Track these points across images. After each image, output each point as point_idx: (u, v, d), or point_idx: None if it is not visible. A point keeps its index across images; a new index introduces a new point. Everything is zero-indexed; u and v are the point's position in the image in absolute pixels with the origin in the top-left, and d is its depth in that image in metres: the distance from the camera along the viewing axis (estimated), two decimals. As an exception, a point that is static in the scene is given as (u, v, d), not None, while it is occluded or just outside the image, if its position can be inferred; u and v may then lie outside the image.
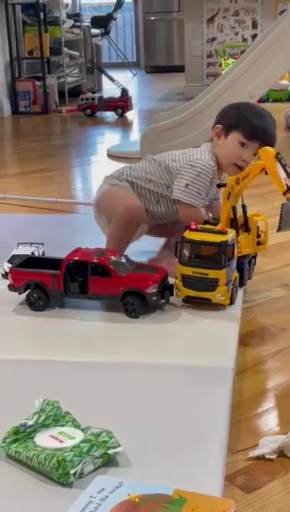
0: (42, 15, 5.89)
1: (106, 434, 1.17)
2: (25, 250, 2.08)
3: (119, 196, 2.03)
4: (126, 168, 2.09)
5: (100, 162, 4.01)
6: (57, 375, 1.49)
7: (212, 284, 1.77)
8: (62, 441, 1.18)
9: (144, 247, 2.16)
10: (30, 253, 2.04)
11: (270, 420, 1.41)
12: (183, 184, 1.97)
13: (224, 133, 1.99)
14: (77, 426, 1.24)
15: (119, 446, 1.16)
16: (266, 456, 1.25)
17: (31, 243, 2.14)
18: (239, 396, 1.47)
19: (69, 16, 6.94)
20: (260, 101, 5.11)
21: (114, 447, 1.16)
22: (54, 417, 1.25)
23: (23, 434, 1.21)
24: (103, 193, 2.07)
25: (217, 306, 1.78)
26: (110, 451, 1.16)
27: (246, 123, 1.96)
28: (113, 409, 1.34)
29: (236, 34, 6.36)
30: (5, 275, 1.96)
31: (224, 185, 1.94)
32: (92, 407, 1.35)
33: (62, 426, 1.24)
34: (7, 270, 1.92)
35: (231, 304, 1.80)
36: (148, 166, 2.06)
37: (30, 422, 1.22)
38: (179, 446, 1.22)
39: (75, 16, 7.00)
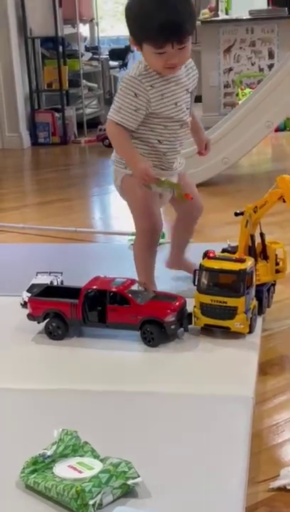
0: (61, 48, 5.99)
1: (126, 465, 1.16)
2: (44, 279, 2.09)
3: (136, 203, 2.00)
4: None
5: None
6: (76, 405, 1.49)
7: (230, 313, 1.76)
8: (81, 472, 1.17)
9: (163, 275, 2.16)
10: (49, 282, 2.05)
11: (291, 450, 1.39)
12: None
13: (137, 45, 1.85)
14: (96, 456, 1.23)
15: (139, 476, 1.16)
16: (288, 487, 1.23)
17: (50, 272, 2.15)
18: (259, 425, 1.45)
19: (87, 49, 7.05)
20: (277, 130, 5.15)
21: (133, 478, 1.15)
22: (73, 447, 1.24)
23: (41, 464, 1.21)
24: (121, 183, 2.05)
25: (236, 335, 1.77)
26: (129, 482, 1.15)
27: (146, 30, 1.78)
28: (132, 439, 1.34)
29: (252, 64, 6.42)
30: (24, 304, 1.97)
31: (242, 213, 1.94)
32: (111, 437, 1.34)
33: (81, 456, 1.23)
34: (26, 299, 1.93)
35: (250, 332, 1.79)
36: None
37: (48, 452, 1.22)
38: (199, 477, 1.21)
39: (94, 49, 7.11)
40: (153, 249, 2.07)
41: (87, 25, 7.24)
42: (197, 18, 6.59)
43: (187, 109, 1.96)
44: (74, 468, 1.19)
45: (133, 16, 1.83)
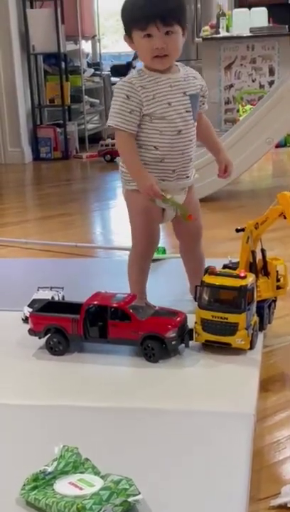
0: (63, 64, 6.03)
1: (126, 482, 1.16)
2: (46, 294, 2.09)
3: (135, 216, 2.01)
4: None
5: (119, 206, 4.04)
6: (77, 421, 1.49)
7: (231, 329, 1.76)
8: (81, 489, 1.17)
9: (163, 291, 2.17)
10: (50, 297, 2.05)
11: (292, 468, 1.38)
12: None
13: (129, 38, 1.91)
14: (97, 473, 1.22)
15: (139, 493, 1.15)
16: (289, 505, 1.23)
17: (51, 287, 2.15)
18: (260, 443, 1.45)
19: (89, 65, 7.10)
20: (278, 146, 5.17)
21: (134, 495, 1.15)
22: (73, 463, 1.24)
23: (42, 481, 1.20)
24: (125, 192, 2.05)
25: (237, 351, 1.77)
26: (130, 499, 1.14)
27: (131, 16, 1.86)
28: (133, 456, 1.33)
29: (253, 81, 6.46)
30: (25, 319, 1.97)
31: (243, 229, 1.95)
32: (112, 454, 1.34)
33: (81, 473, 1.23)
34: (27, 314, 1.93)
35: (251, 348, 1.79)
36: None
37: (49, 469, 1.22)
38: (200, 494, 1.20)
39: (96, 65, 7.16)
40: (147, 263, 2.09)
41: (89, 42, 7.30)
42: (199, 34, 6.65)
43: (186, 112, 1.94)
44: (75, 485, 1.18)
45: (123, 9, 1.90)
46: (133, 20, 1.85)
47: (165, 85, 1.92)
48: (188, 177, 2.01)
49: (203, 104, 2.05)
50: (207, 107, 2.08)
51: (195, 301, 1.83)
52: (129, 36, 1.91)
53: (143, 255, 2.07)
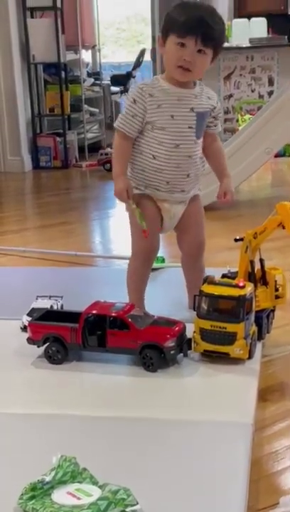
0: (63, 74, 6.06)
1: (124, 492, 1.16)
2: (45, 303, 2.09)
3: (134, 224, 2.02)
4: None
5: (119, 215, 4.05)
6: (75, 430, 1.48)
7: (230, 338, 1.76)
8: (79, 498, 1.17)
9: (162, 300, 2.17)
10: (49, 306, 2.05)
11: (291, 478, 1.38)
12: None
13: (163, 41, 1.92)
14: (95, 483, 1.22)
15: (137, 503, 1.15)
16: (287, 516, 1.22)
17: (50, 296, 2.15)
18: (258, 453, 1.44)
19: (89, 75, 7.13)
20: (277, 155, 5.19)
21: (132, 505, 1.15)
22: (71, 473, 1.23)
23: (40, 490, 1.20)
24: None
25: (236, 361, 1.77)
26: (128, 509, 1.14)
27: (175, 21, 1.88)
28: (131, 466, 1.33)
29: (252, 91, 6.49)
30: (24, 328, 1.97)
31: (241, 239, 1.95)
32: (110, 463, 1.33)
33: (79, 482, 1.23)
34: (26, 323, 1.93)
35: (249, 358, 1.79)
36: None
37: (47, 479, 1.21)
38: (198, 504, 1.20)
39: (95, 75, 7.19)
40: (145, 272, 2.10)
41: (89, 52, 7.33)
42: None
43: (189, 128, 1.95)
44: (73, 495, 1.18)
45: (168, 15, 1.92)
46: (177, 25, 1.86)
47: (173, 97, 1.93)
48: (183, 191, 2.01)
49: (215, 126, 2.05)
50: (220, 129, 2.09)
51: (194, 310, 1.83)
52: (164, 37, 1.91)
53: (142, 264, 2.08)
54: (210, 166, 2.12)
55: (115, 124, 1.98)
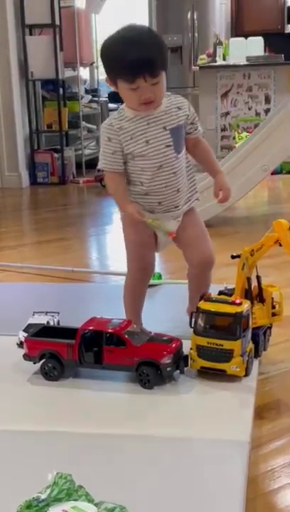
0: (61, 90, 6.10)
1: (120, 510, 1.15)
2: (41, 319, 2.09)
3: (129, 243, 2.04)
4: None
5: (116, 231, 4.06)
6: (71, 447, 1.48)
7: (227, 355, 1.76)
8: (75, 516, 1.16)
9: (159, 316, 2.17)
10: (45, 322, 2.05)
11: (288, 496, 1.37)
12: None
13: (113, 83, 1.89)
14: (91, 500, 1.21)
15: (133, 522, 1.14)
16: (284, 535, 1.22)
17: (47, 312, 2.15)
18: (255, 471, 1.44)
19: (87, 92, 7.17)
20: (274, 173, 5.21)
21: (128, 523, 1.14)
22: (67, 490, 1.23)
23: (35, 508, 1.19)
24: (121, 219, 2.08)
25: (232, 378, 1.77)
26: (124, 528, 1.13)
27: (117, 68, 1.83)
28: (127, 483, 1.32)
29: (249, 109, 6.53)
30: (20, 344, 1.97)
31: (238, 256, 1.95)
32: (106, 481, 1.33)
33: (75, 500, 1.22)
34: (22, 339, 1.93)
35: (246, 375, 1.78)
36: None
37: (43, 496, 1.21)
38: (194, 523, 1.19)
39: (93, 91, 7.23)
40: (141, 289, 2.10)
41: (87, 69, 7.38)
42: (196, 63, 6.74)
43: (166, 147, 1.94)
44: (69, 513, 1.17)
45: (106, 56, 1.89)
46: (120, 73, 1.83)
47: (142, 123, 1.93)
48: (177, 207, 2.01)
49: (195, 130, 2.03)
50: (202, 130, 2.07)
51: (191, 327, 1.83)
52: (112, 82, 1.89)
53: (137, 281, 2.08)
54: (201, 166, 2.12)
55: (100, 166, 2.00)
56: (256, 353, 1.89)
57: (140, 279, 2.08)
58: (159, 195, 1.98)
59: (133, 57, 1.79)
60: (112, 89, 1.94)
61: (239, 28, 7.56)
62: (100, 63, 8.16)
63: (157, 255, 2.13)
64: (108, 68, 1.89)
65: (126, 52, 1.80)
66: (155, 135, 1.93)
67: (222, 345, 1.76)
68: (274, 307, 1.97)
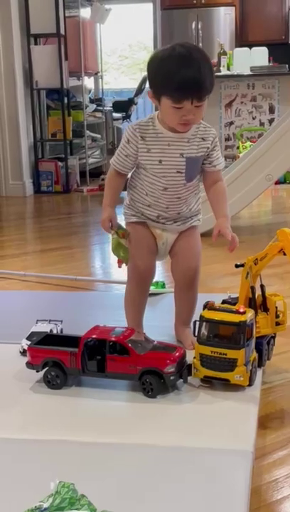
0: (66, 100, 6.12)
1: (123, 519, 1.14)
2: (44, 327, 2.09)
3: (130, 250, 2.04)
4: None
5: (119, 240, 4.06)
6: (73, 456, 1.47)
7: (230, 365, 1.75)
8: (77, 526, 1.15)
9: (162, 325, 2.16)
10: (48, 330, 2.05)
11: (291, 507, 1.36)
12: None
13: (156, 98, 1.88)
14: (93, 510, 1.21)
15: (136, 532, 1.13)
16: None
17: (50, 320, 2.15)
18: (258, 481, 1.43)
19: (91, 101, 7.21)
20: (278, 182, 5.22)
21: (130, 533, 1.13)
22: (69, 499, 1.22)
23: (37, 517, 1.18)
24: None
25: (236, 387, 1.76)
26: (126, 537, 1.12)
27: (166, 85, 1.81)
28: (129, 493, 1.31)
29: (253, 118, 6.55)
30: (23, 352, 1.96)
31: (242, 265, 1.95)
32: (108, 490, 1.32)
33: (77, 509, 1.21)
34: (25, 347, 1.92)
35: (250, 385, 1.78)
36: None
37: (45, 505, 1.20)
38: (197, 534, 1.19)
39: (98, 101, 7.26)
40: (141, 297, 2.10)
41: (92, 78, 7.42)
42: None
43: (177, 172, 1.94)
44: (71, 522, 1.16)
45: (155, 71, 1.87)
46: (168, 90, 1.82)
47: (163, 142, 1.93)
48: (176, 222, 2.04)
49: (213, 166, 1.99)
50: (223, 165, 2.03)
51: (194, 336, 1.83)
52: (156, 96, 1.87)
53: (136, 287, 2.08)
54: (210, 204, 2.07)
55: (111, 160, 2.03)
56: (260, 363, 1.88)
57: (138, 285, 2.08)
58: (159, 210, 2.02)
59: (186, 79, 1.78)
60: (152, 102, 1.94)
61: (243, 38, 7.59)
62: (104, 73, 8.20)
63: (161, 264, 2.13)
64: (155, 83, 1.88)
65: (179, 72, 1.79)
66: (170, 158, 1.94)
67: (225, 355, 1.76)
68: (277, 316, 1.96)
